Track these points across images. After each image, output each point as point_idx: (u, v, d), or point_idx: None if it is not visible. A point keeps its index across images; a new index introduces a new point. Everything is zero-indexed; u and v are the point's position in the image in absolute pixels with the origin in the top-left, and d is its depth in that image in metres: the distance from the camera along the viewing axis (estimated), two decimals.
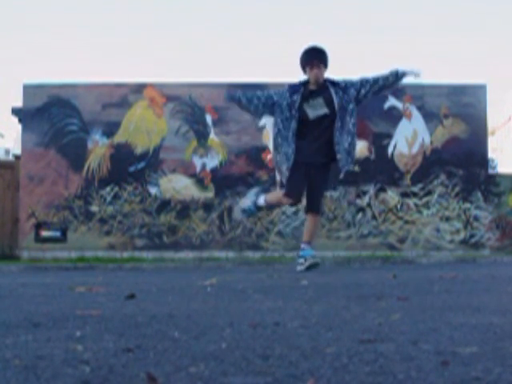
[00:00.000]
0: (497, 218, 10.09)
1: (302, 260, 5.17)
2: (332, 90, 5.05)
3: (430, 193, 9.64)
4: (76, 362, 1.19)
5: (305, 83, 5.15)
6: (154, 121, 9.69)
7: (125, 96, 9.68)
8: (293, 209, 9.52)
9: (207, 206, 9.53)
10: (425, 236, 9.58)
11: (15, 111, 10.00)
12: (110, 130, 9.62)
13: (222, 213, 9.52)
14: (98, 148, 9.61)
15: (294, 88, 5.14)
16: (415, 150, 9.70)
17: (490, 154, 10.67)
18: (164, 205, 9.53)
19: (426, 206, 9.63)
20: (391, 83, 5.24)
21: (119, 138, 9.63)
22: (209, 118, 9.66)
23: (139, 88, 9.72)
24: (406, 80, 5.35)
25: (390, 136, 9.69)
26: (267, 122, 9.71)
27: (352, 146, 5.10)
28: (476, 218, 9.64)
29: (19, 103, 9.81)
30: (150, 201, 9.54)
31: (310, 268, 5.04)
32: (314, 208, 5.20)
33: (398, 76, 5.13)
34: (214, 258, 8.88)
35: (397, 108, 9.73)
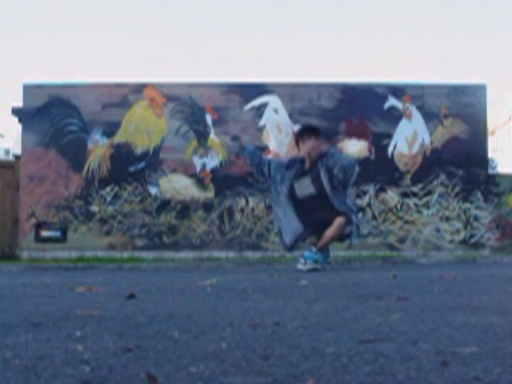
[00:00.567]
0: (497, 218, 10.10)
1: (302, 260, 5.24)
2: (321, 168, 5.20)
3: (430, 193, 9.64)
4: (76, 362, 1.19)
5: (303, 160, 5.40)
6: (154, 121, 9.69)
7: (125, 96, 9.68)
8: None
9: (207, 206, 9.53)
10: (425, 236, 9.58)
11: (15, 111, 10.00)
12: (110, 129, 9.62)
13: (222, 213, 9.52)
14: (98, 148, 9.61)
15: (291, 163, 5.45)
16: (415, 149, 9.70)
17: (490, 154, 10.67)
18: (164, 205, 9.53)
19: (426, 206, 9.63)
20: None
21: (119, 137, 9.63)
22: (209, 118, 9.66)
23: (139, 88, 9.72)
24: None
25: (390, 136, 9.69)
26: (267, 122, 9.71)
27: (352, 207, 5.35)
28: (476, 218, 9.64)
29: (19, 103, 9.81)
30: (150, 201, 9.54)
31: (310, 271, 5.10)
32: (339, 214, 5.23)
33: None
34: (213, 258, 8.88)
35: (397, 108, 9.73)
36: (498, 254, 9.45)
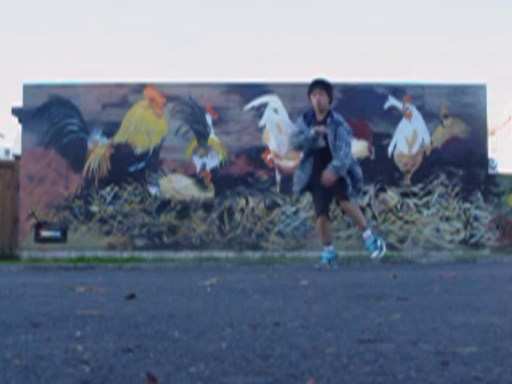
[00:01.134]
0: (497, 218, 10.09)
1: (325, 261, 5.78)
2: (328, 128, 5.66)
3: (430, 193, 9.64)
4: (76, 362, 1.19)
5: (314, 113, 5.83)
6: (154, 121, 9.69)
7: (125, 96, 9.68)
8: (293, 209, 9.53)
9: (207, 206, 9.53)
10: (425, 236, 9.58)
11: (15, 111, 9.99)
12: (110, 129, 9.62)
13: (222, 213, 9.52)
14: (98, 148, 9.61)
15: (307, 116, 5.84)
16: (415, 149, 9.70)
17: (490, 154, 10.67)
18: (164, 205, 9.53)
19: (426, 206, 9.63)
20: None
21: (119, 137, 9.63)
22: (209, 118, 9.66)
23: (139, 88, 9.72)
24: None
25: (390, 136, 9.69)
26: (267, 122, 9.71)
27: (345, 154, 5.67)
28: (476, 218, 9.64)
29: (19, 103, 9.81)
30: (150, 201, 9.54)
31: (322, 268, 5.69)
32: (341, 199, 5.75)
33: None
34: (214, 258, 8.88)
35: (397, 108, 9.73)
36: (497, 254, 9.45)
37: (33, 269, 7.33)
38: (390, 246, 9.53)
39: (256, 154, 9.61)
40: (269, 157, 9.61)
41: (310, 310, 2.02)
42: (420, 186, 9.64)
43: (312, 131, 5.65)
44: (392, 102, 9.73)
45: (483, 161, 9.80)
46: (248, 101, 9.68)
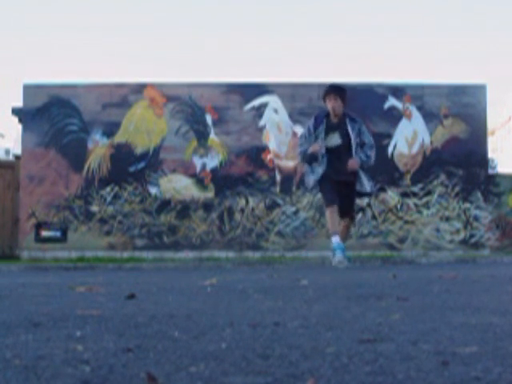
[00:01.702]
0: (497, 218, 10.10)
1: (340, 256, 5.97)
2: (349, 126, 6.10)
3: (429, 193, 9.64)
4: (76, 362, 1.19)
5: (327, 114, 6.21)
6: (154, 121, 9.69)
7: (125, 96, 9.68)
8: (293, 209, 9.53)
9: (207, 206, 9.54)
10: (425, 236, 9.59)
11: (15, 111, 9.99)
12: (110, 129, 9.62)
13: (222, 213, 9.52)
14: (98, 148, 9.61)
15: (318, 120, 6.21)
16: (415, 150, 9.70)
17: (490, 154, 10.68)
18: (164, 205, 9.53)
19: (426, 206, 9.63)
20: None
21: (119, 137, 9.64)
22: (209, 118, 9.67)
23: (139, 88, 9.72)
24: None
25: (390, 136, 9.69)
26: (267, 122, 9.72)
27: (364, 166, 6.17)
28: (476, 218, 9.64)
29: (19, 103, 9.81)
30: (150, 201, 9.54)
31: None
32: (347, 215, 6.17)
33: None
34: (214, 258, 8.88)
35: (397, 108, 9.73)
36: (498, 254, 9.45)
37: (33, 269, 7.33)
38: (390, 246, 9.54)
39: (256, 154, 9.61)
40: (269, 157, 9.61)
41: (310, 310, 2.02)
42: (420, 185, 9.65)
43: (310, 149, 6.07)
44: (392, 102, 9.73)
45: (483, 161, 9.81)
46: (248, 101, 9.69)
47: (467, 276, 3.97)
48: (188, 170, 9.61)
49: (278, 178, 9.56)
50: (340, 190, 6.04)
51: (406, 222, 9.59)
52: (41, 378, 1.06)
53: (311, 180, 6.15)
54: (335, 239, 5.93)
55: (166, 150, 9.61)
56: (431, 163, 9.68)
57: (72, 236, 9.47)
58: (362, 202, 9.52)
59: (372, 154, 6.18)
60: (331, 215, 5.98)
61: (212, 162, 9.62)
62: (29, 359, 1.23)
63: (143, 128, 9.67)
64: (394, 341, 1.39)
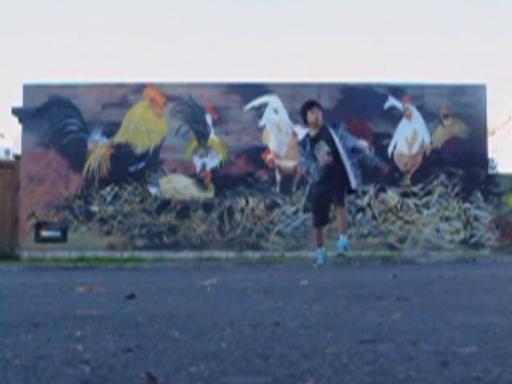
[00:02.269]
0: (497, 218, 10.09)
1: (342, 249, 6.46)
2: (332, 131, 6.50)
3: (430, 193, 9.64)
4: (76, 362, 1.19)
5: (307, 134, 6.65)
6: (154, 121, 9.69)
7: (125, 96, 9.68)
8: (293, 209, 9.53)
9: (207, 206, 9.54)
10: (425, 236, 9.58)
11: (15, 111, 9.99)
12: (110, 129, 9.62)
13: (222, 213, 9.52)
14: (98, 148, 9.61)
15: (303, 142, 6.66)
16: (415, 150, 9.70)
17: (490, 154, 10.67)
18: (164, 205, 9.53)
19: (426, 206, 9.63)
20: (365, 163, 7.65)
21: (119, 137, 9.64)
22: (209, 118, 9.66)
23: (139, 88, 9.72)
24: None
25: (390, 136, 9.69)
26: (267, 122, 9.72)
27: (355, 166, 6.51)
28: (476, 218, 9.64)
29: (19, 103, 9.81)
30: (150, 201, 9.54)
31: (338, 256, 6.71)
32: (338, 201, 6.45)
33: (372, 162, 7.22)
34: (213, 258, 8.88)
35: (397, 108, 9.73)
36: (498, 254, 9.45)
37: (33, 269, 7.33)
38: (390, 246, 9.53)
39: (256, 154, 9.61)
40: (269, 157, 9.61)
41: (310, 310, 2.02)
42: (420, 185, 9.64)
43: (321, 163, 6.49)
44: (392, 102, 9.73)
45: (483, 161, 9.80)
46: (248, 101, 9.69)
47: (467, 276, 3.98)
48: (188, 170, 9.60)
49: (278, 178, 9.56)
50: (330, 190, 6.50)
51: (406, 222, 9.59)
52: (41, 378, 1.06)
53: (311, 167, 6.58)
54: (320, 250, 6.67)
55: (166, 150, 9.61)
56: (431, 163, 9.68)
57: (72, 236, 9.47)
58: (362, 202, 9.53)
59: (370, 152, 6.71)
60: (317, 234, 6.75)
61: (212, 161, 9.62)
62: (29, 359, 1.23)
63: (143, 128, 9.67)
64: (393, 341, 1.39)
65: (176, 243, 9.48)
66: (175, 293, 2.89)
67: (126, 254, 9.35)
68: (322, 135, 6.56)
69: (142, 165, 9.58)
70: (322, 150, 6.50)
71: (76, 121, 9.65)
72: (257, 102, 9.70)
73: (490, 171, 10.37)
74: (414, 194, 9.63)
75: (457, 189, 9.66)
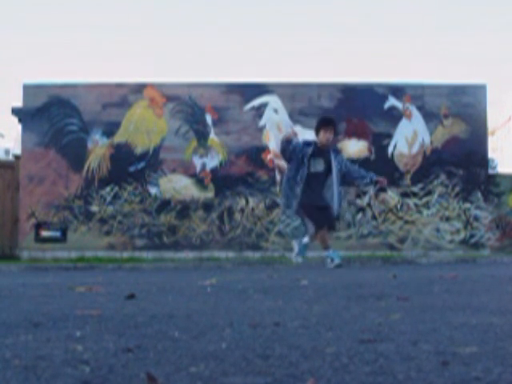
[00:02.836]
0: (497, 218, 10.09)
1: (329, 260, 6.29)
2: (332, 156, 6.39)
3: (430, 193, 9.64)
4: (76, 362, 1.19)
5: (315, 142, 6.42)
6: (154, 121, 9.69)
7: (125, 96, 9.68)
8: None
9: (207, 206, 9.53)
10: (425, 236, 9.58)
11: (15, 111, 9.99)
12: (110, 129, 9.62)
13: (222, 213, 9.52)
14: (98, 148, 9.61)
15: (308, 142, 6.49)
16: (415, 150, 9.70)
17: (490, 154, 10.67)
18: (164, 205, 9.53)
19: (426, 206, 9.63)
20: (363, 183, 7.59)
21: (119, 137, 9.63)
22: (209, 118, 9.66)
23: (139, 88, 9.72)
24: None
25: (390, 136, 9.69)
26: (267, 122, 9.72)
27: (341, 195, 6.62)
28: (476, 218, 9.64)
29: (19, 103, 9.80)
30: (150, 201, 9.53)
31: (336, 267, 6.24)
32: (330, 225, 6.45)
33: (371, 181, 6.70)
34: (213, 258, 8.88)
35: (397, 108, 9.73)
36: (498, 254, 9.45)
37: (33, 269, 7.33)
38: (390, 246, 9.53)
39: (256, 154, 9.61)
40: (269, 157, 9.61)
41: (310, 310, 2.02)
42: (420, 185, 9.64)
43: (379, 184, 6.78)
44: (392, 101, 9.73)
45: (483, 161, 9.80)
46: (248, 101, 9.68)
47: (467, 276, 3.98)
48: (188, 170, 9.60)
49: (278, 178, 9.55)
50: (317, 209, 6.40)
51: (406, 222, 9.59)
52: (41, 378, 1.06)
53: (294, 203, 6.42)
54: (330, 251, 6.37)
55: (166, 149, 9.61)
56: (431, 163, 9.68)
57: (72, 236, 9.47)
58: (362, 202, 9.53)
59: (366, 172, 6.65)
60: (320, 238, 6.48)
61: (212, 161, 9.62)
62: (28, 359, 1.23)
63: (143, 128, 9.66)
64: (393, 341, 1.39)
65: (176, 243, 9.48)
66: (175, 293, 2.89)
67: (125, 254, 9.35)
68: (323, 153, 6.42)
69: (141, 165, 9.58)
70: (318, 166, 6.39)
71: (76, 121, 9.64)
72: (257, 102, 9.70)
73: (490, 171, 10.37)
74: (414, 194, 9.63)
75: (457, 189, 9.66)
